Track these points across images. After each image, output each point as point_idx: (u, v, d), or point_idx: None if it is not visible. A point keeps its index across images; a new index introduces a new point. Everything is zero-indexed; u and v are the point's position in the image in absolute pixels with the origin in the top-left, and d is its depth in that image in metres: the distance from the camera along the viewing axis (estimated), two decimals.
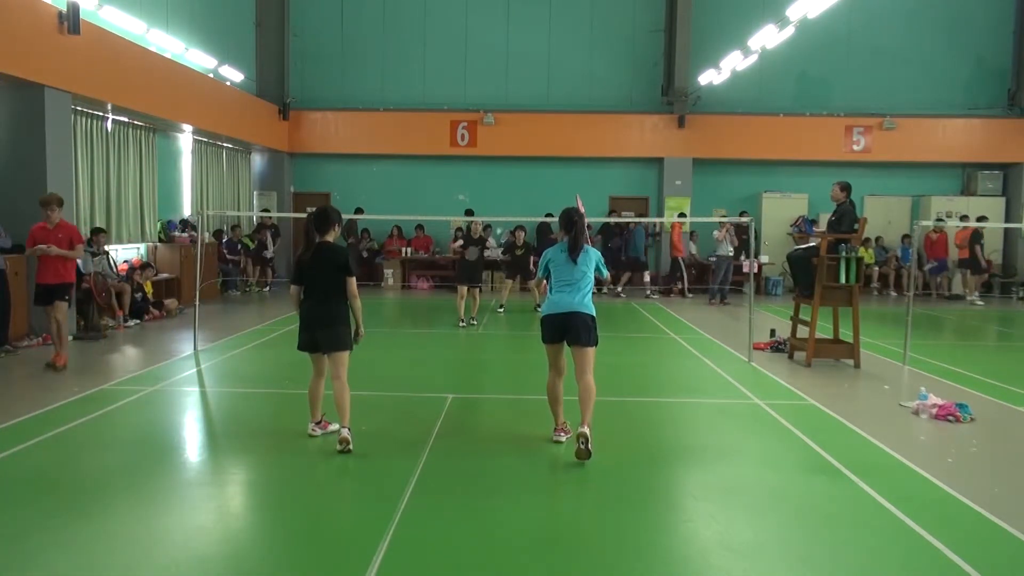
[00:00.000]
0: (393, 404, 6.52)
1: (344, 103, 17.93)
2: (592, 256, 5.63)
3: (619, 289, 16.60)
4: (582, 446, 4.99)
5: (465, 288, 11.61)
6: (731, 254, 15.50)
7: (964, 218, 16.07)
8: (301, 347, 5.54)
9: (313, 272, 5.42)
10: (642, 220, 16.26)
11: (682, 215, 16.55)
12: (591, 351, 5.35)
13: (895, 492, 4.63)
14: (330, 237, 5.51)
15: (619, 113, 17.77)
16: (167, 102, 12.42)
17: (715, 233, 15.52)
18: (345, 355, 5.46)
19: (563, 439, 5.52)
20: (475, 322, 11.64)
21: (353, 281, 5.43)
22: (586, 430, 5.04)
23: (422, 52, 18.05)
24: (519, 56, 17.99)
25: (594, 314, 5.42)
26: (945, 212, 17.36)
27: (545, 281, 5.66)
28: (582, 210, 5.95)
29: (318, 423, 5.70)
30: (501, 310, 13.21)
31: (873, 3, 17.40)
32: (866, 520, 4.26)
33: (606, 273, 5.76)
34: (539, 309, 11.96)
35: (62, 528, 3.99)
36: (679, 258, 16.70)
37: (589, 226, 17.70)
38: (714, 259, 15.76)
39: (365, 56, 18.04)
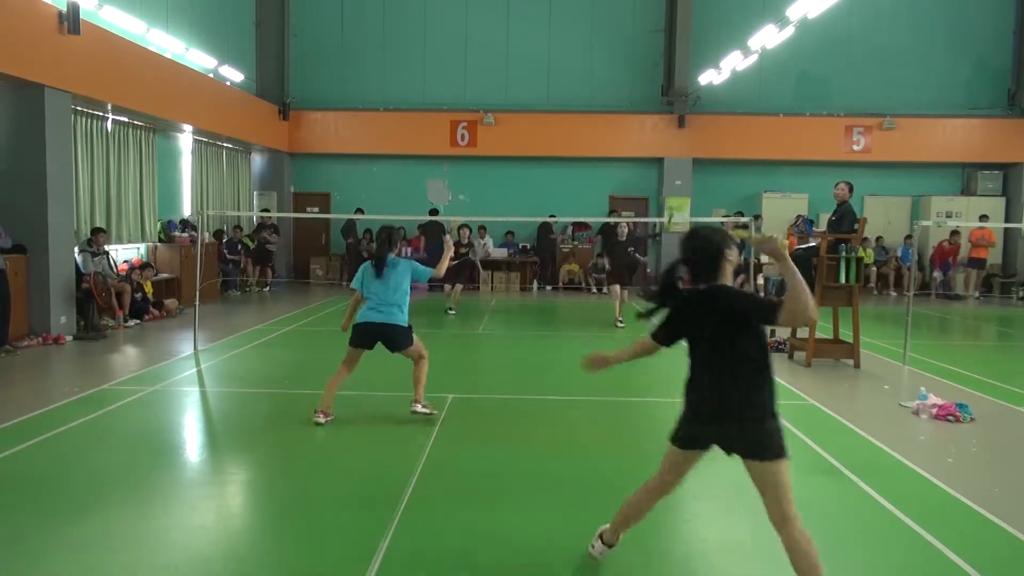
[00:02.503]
0: (393, 404, 6.52)
1: (344, 103, 17.93)
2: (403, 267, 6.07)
3: (604, 290, 16.62)
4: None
5: (448, 286, 12.97)
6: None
7: (984, 217, 16.08)
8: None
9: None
10: (641, 220, 16.27)
11: (810, 220, 16.41)
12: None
13: (895, 492, 4.63)
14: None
15: (619, 113, 17.77)
16: (167, 102, 12.42)
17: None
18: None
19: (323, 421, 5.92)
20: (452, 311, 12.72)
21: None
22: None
23: (422, 52, 18.06)
24: (519, 56, 17.99)
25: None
26: (945, 212, 17.37)
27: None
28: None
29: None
30: (452, 312, 12.68)
31: (873, 3, 17.40)
32: (866, 520, 4.26)
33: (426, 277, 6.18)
34: (451, 311, 12.63)
35: (62, 528, 3.99)
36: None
37: (588, 226, 17.92)
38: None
39: (365, 56, 18.05)
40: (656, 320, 3.42)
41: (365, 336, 5.96)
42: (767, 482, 3.07)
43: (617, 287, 11.90)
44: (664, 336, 3.40)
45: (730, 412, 3.06)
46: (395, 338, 5.95)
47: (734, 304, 3.02)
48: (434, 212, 16.39)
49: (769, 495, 3.06)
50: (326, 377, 6.15)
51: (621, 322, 11.63)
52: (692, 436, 3.22)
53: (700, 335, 3.16)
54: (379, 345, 6.00)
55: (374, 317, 5.91)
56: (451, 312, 12.66)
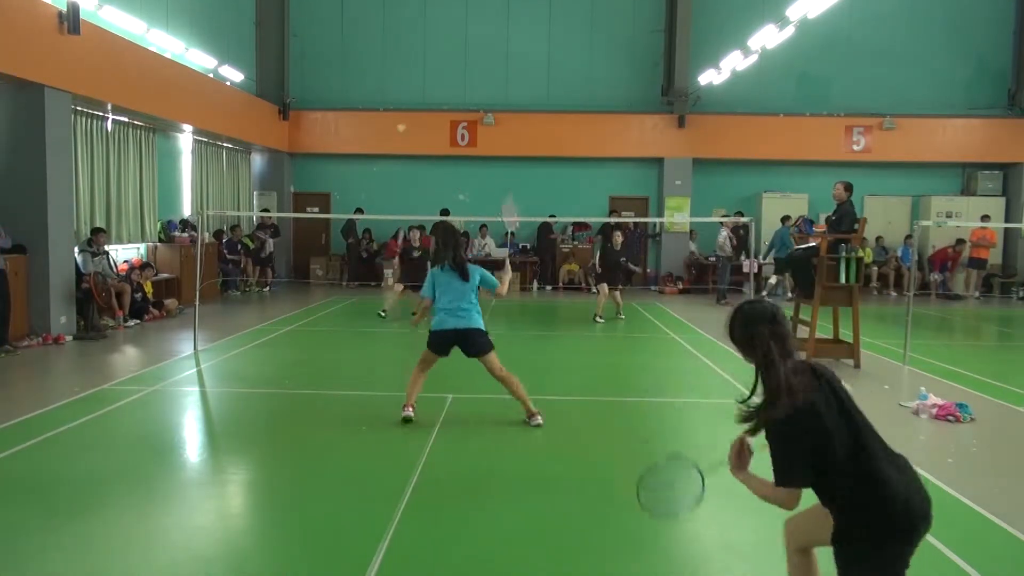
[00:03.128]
0: (393, 404, 6.52)
1: (344, 103, 17.93)
2: (476, 272, 6.02)
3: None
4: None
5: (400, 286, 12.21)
6: (731, 255, 15.54)
7: (985, 217, 16.09)
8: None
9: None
10: (642, 220, 16.28)
11: (810, 220, 16.39)
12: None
13: None
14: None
15: (619, 113, 17.77)
16: (167, 102, 12.42)
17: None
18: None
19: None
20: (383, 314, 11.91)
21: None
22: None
23: (422, 52, 18.05)
24: (519, 56, 17.99)
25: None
26: (946, 212, 17.37)
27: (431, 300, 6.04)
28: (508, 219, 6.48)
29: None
30: (383, 313, 11.91)
31: (873, 3, 17.41)
32: None
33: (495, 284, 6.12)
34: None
35: (62, 528, 3.99)
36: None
37: (588, 226, 17.93)
38: (715, 259, 15.81)
39: (365, 56, 18.04)
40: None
41: (443, 342, 5.94)
42: None
43: (605, 286, 12.22)
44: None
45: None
46: (473, 340, 5.95)
47: None
48: (445, 212, 16.37)
49: None
50: (325, 377, 6.14)
51: (601, 318, 12.01)
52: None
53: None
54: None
55: (451, 323, 5.89)
56: (383, 315, 11.78)
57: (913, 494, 2.40)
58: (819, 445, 2.39)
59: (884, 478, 2.39)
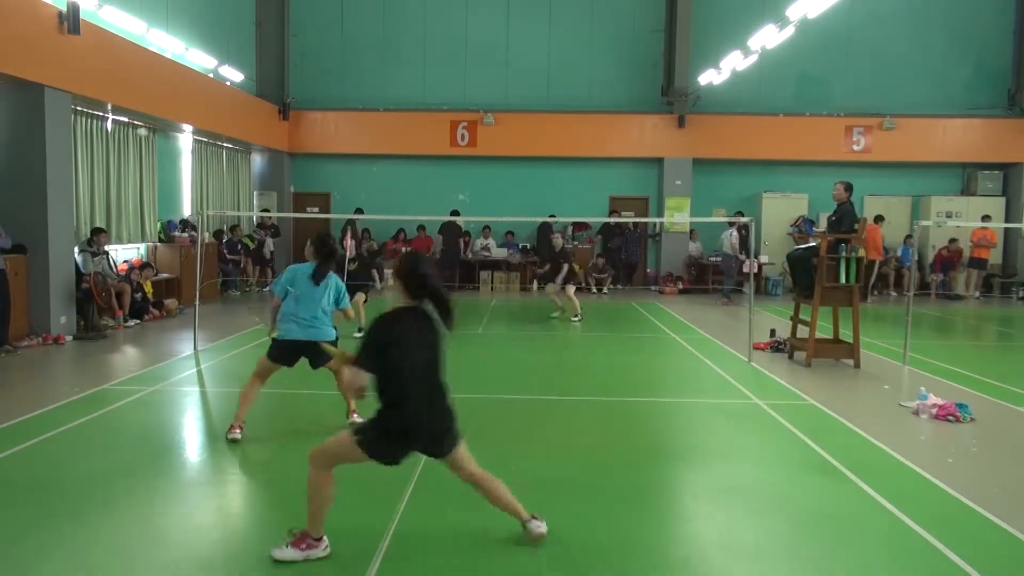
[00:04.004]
0: None
1: (344, 103, 17.93)
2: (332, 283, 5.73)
3: (604, 290, 16.68)
4: None
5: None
6: (738, 255, 15.57)
7: (986, 217, 16.08)
8: None
9: None
10: (642, 220, 16.28)
11: (880, 217, 16.28)
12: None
13: (895, 492, 4.63)
14: None
15: (619, 113, 17.77)
16: (167, 102, 12.42)
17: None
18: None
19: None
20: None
21: None
22: None
23: (422, 52, 18.05)
24: (519, 56, 17.99)
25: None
26: (945, 212, 17.37)
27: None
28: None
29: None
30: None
31: (873, 3, 17.40)
32: (866, 520, 4.25)
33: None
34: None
35: (62, 528, 3.99)
36: (875, 260, 16.13)
37: (588, 226, 17.92)
38: (719, 259, 15.83)
39: (365, 56, 18.05)
40: None
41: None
42: None
43: (552, 286, 12.52)
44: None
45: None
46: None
47: None
48: (455, 213, 16.35)
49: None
50: (325, 377, 6.13)
51: (576, 317, 12.24)
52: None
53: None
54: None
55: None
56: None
57: (433, 423, 3.56)
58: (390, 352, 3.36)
59: (415, 402, 3.44)
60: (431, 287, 3.45)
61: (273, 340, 5.73)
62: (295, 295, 5.60)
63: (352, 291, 10.43)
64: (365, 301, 10.80)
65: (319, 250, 5.71)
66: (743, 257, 15.52)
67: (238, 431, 5.56)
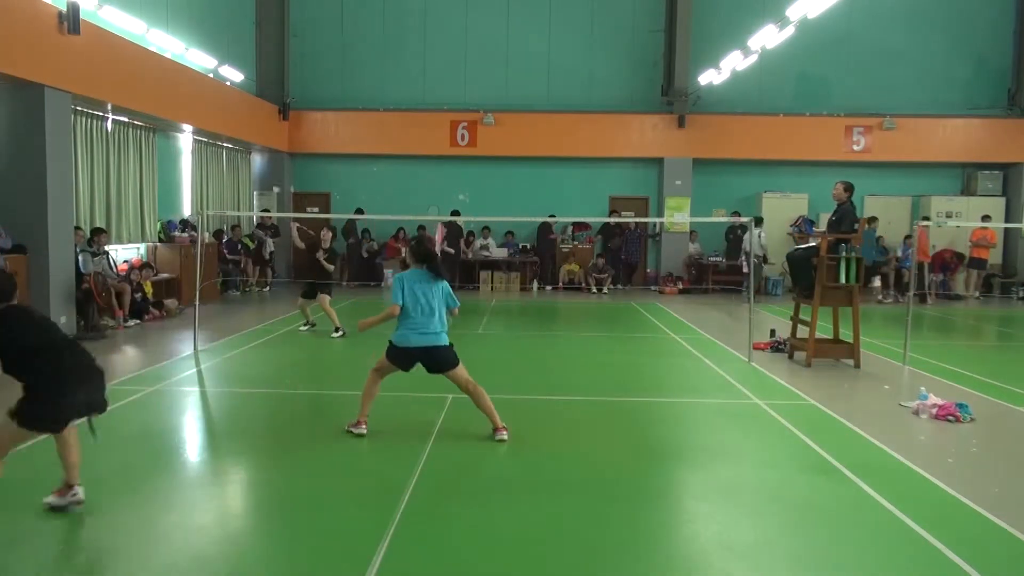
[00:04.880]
0: (393, 404, 6.52)
1: (344, 103, 17.93)
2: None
3: (604, 290, 16.70)
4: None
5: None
6: (760, 253, 15.64)
7: (986, 217, 16.07)
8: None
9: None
10: (642, 220, 16.30)
11: (926, 218, 16.25)
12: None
13: (895, 492, 4.63)
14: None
15: (619, 113, 17.77)
16: (167, 102, 12.42)
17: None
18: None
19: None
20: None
21: None
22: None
23: (422, 52, 18.06)
24: (519, 56, 17.99)
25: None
26: (945, 212, 17.37)
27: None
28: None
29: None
30: (305, 329, 10.66)
31: (873, 3, 17.40)
32: (866, 520, 4.26)
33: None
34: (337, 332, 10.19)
35: (62, 528, 3.99)
36: (924, 263, 16.12)
37: (588, 226, 17.93)
38: (744, 260, 15.87)
39: (365, 56, 18.05)
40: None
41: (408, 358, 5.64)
42: None
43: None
44: None
45: None
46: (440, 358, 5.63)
47: None
48: (455, 213, 16.37)
49: None
50: (325, 377, 6.14)
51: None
52: None
53: None
54: (379, 345, 5.94)
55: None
56: (305, 329, 10.60)
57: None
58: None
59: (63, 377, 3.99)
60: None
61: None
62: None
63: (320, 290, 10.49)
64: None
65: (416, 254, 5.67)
66: (764, 255, 15.62)
67: (363, 427, 5.68)
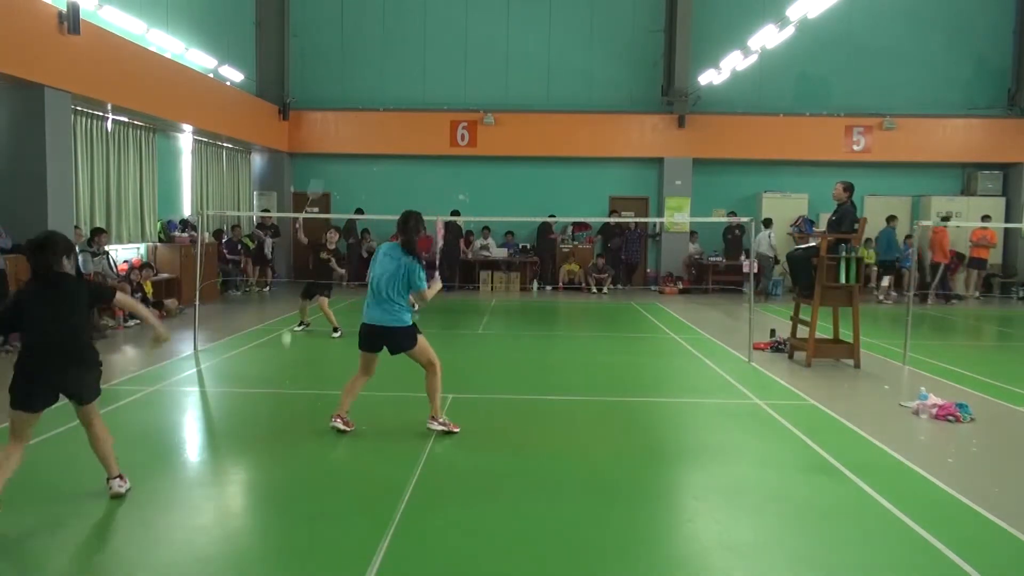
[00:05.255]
0: (393, 404, 6.52)
1: (344, 103, 17.93)
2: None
3: (604, 290, 16.70)
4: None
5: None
6: (771, 254, 15.68)
7: (986, 217, 16.06)
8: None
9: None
10: (642, 220, 16.30)
11: (946, 218, 16.28)
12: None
13: (895, 492, 4.63)
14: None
15: (619, 113, 17.77)
16: (167, 102, 12.42)
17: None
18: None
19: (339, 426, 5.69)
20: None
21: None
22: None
23: (422, 52, 18.06)
24: (519, 56, 17.99)
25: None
26: (945, 212, 17.35)
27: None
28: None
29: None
30: (300, 329, 10.70)
31: (873, 3, 17.41)
32: (866, 520, 4.26)
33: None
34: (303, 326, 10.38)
35: (62, 528, 3.99)
36: (941, 263, 16.15)
37: (588, 226, 17.92)
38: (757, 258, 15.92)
39: (365, 56, 18.05)
40: None
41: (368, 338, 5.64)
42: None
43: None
44: None
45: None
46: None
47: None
48: (455, 213, 16.38)
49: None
50: (325, 377, 6.14)
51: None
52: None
53: None
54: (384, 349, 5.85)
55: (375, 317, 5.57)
56: (299, 329, 10.60)
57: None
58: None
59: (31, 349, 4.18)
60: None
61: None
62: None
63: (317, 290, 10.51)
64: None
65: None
66: (774, 255, 15.67)
67: (339, 421, 5.69)
